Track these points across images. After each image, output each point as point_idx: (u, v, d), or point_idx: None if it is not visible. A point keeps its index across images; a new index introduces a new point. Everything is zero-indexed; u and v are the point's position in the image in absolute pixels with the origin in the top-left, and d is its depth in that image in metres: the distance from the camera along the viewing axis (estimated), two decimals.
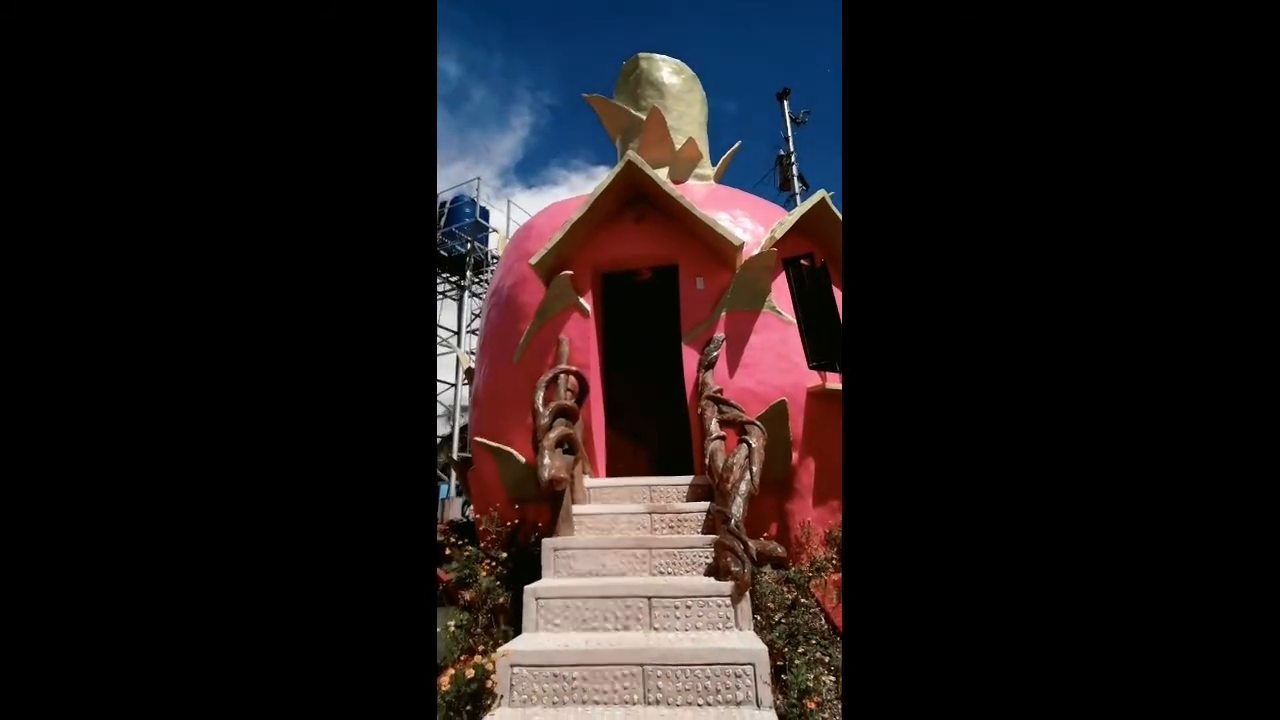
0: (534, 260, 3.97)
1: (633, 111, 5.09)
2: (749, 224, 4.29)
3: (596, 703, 1.99)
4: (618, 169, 4.02)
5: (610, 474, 3.92)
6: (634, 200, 4.19)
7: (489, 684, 1.89)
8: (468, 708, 1.84)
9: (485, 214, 15.73)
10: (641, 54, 5.29)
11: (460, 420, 14.62)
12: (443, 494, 14.50)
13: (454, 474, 12.95)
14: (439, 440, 18.82)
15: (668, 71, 5.26)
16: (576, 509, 3.11)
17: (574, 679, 2.02)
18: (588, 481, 3.53)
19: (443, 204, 15.67)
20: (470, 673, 1.84)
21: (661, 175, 4.11)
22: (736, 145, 5.52)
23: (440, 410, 16.71)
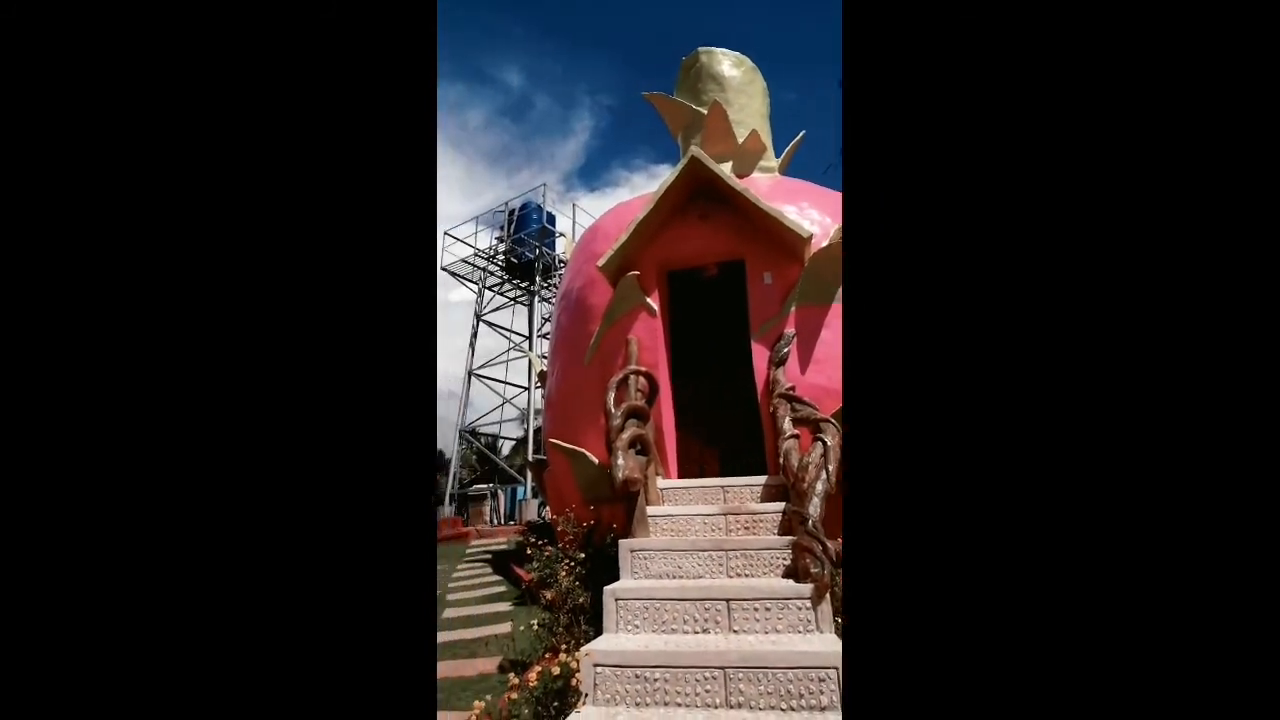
0: (601, 262, 4.01)
1: (694, 107, 5.06)
2: (816, 215, 4.16)
3: (679, 704, 1.99)
4: (681, 165, 4.00)
5: (681, 475, 3.91)
6: (698, 196, 4.16)
7: (574, 682, 1.93)
8: (555, 704, 1.89)
9: (552, 219, 16.11)
10: (701, 48, 5.24)
11: (534, 423, 15.03)
12: (519, 495, 14.97)
13: (530, 475, 13.34)
14: (515, 442, 19.45)
15: (728, 64, 5.19)
16: (651, 510, 3.12)
17: (656, 680, 2.03)
18: (660, 483, 3.54)
19: (511, 211, 16.17)
20: (556, 670, 1.89)
21: (725, 169, 4.05)
22: (800, 135, 5.37)
23: (514, 413, 17.29)
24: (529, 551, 3.47)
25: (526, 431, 15.70)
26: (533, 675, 1.90)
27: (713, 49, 5.24)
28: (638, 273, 4.06)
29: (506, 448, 19.19)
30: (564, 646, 2.43)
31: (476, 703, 1.88)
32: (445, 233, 16.40)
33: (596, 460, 3.81)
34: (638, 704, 2.02)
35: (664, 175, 4.15)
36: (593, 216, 15.09)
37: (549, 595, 2.96)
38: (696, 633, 2.31)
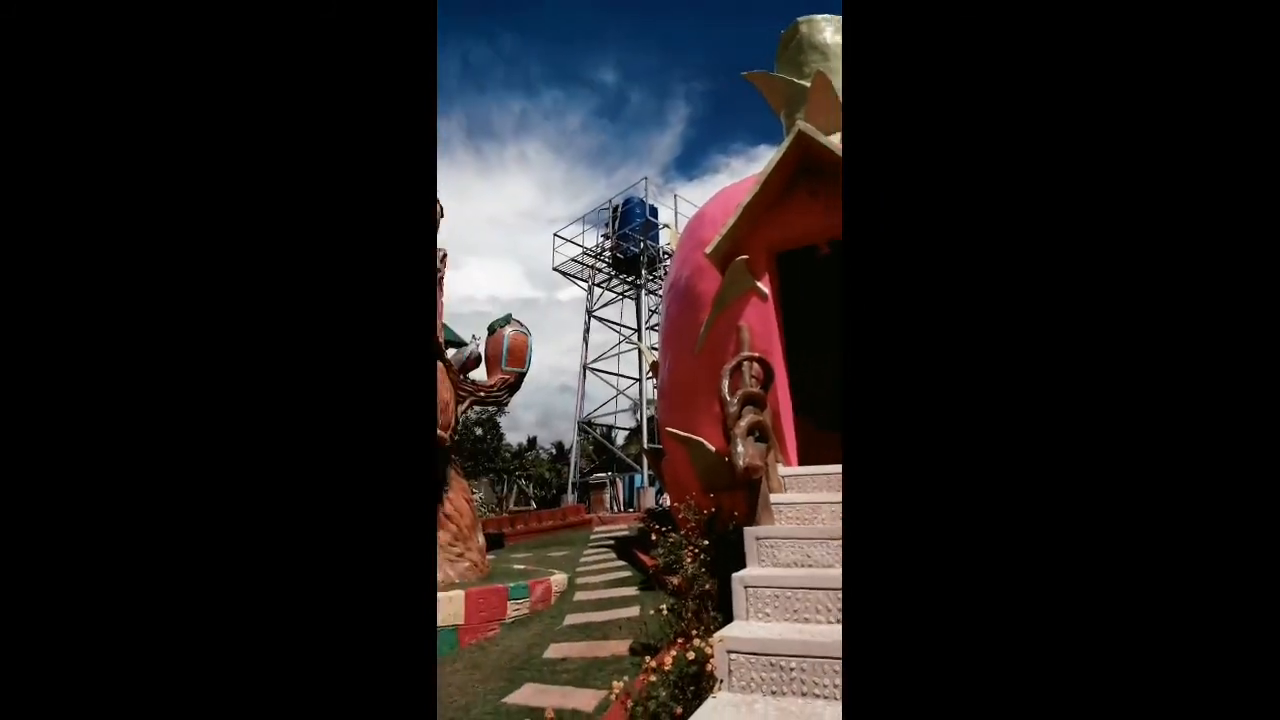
0: (709, 249, 3.98)
1: (796, 80, 4.85)
2: None
3: (818, 695, 1.95)
4: (787, 142, 3.86)
5: (802, 462, 3.80)
6: (806, 172, 3.99)
7: (709, 667, 1.95)
8: (691, 688, 1.92)
9: (654, 212, 16.23)
10: (800, 18, 5.02)
11: (647, 412, 15.30)
12: (637, 483, 15.34)
13: (645, 463, 13.61)
14: (629, 431, 19.94)
15: (830, 31, 4.92)
16: (774, 498, 3.07)
17: (792, 669, 2.00)
18: (781, 470, 3.46)
19: (615, 208, 16.51)
20: (691, 655, 1.92)
21: (834, 141, 3.85)
22: None
23: (627, 404, 17.72)
24: (653, 538, 3.54)
25: (640, 421, 16.03)
26: (668, 659, 1.95)
27: (812, 17, 4.99)
28: (746, 257, 3.98)
29: (620, 437, 19.74)
30: (695, 632, 2.46)
31: (615, 683, 1.96)
32: (555, 234, 17.11)
33: (714, 448, 3.81)
34: (774, 693, 2.00)
35: (764, 156, 4.03)
36: (694, 205, 14.98)
37: (675, 581, 3.01)
38: (831, 623, 2.24)
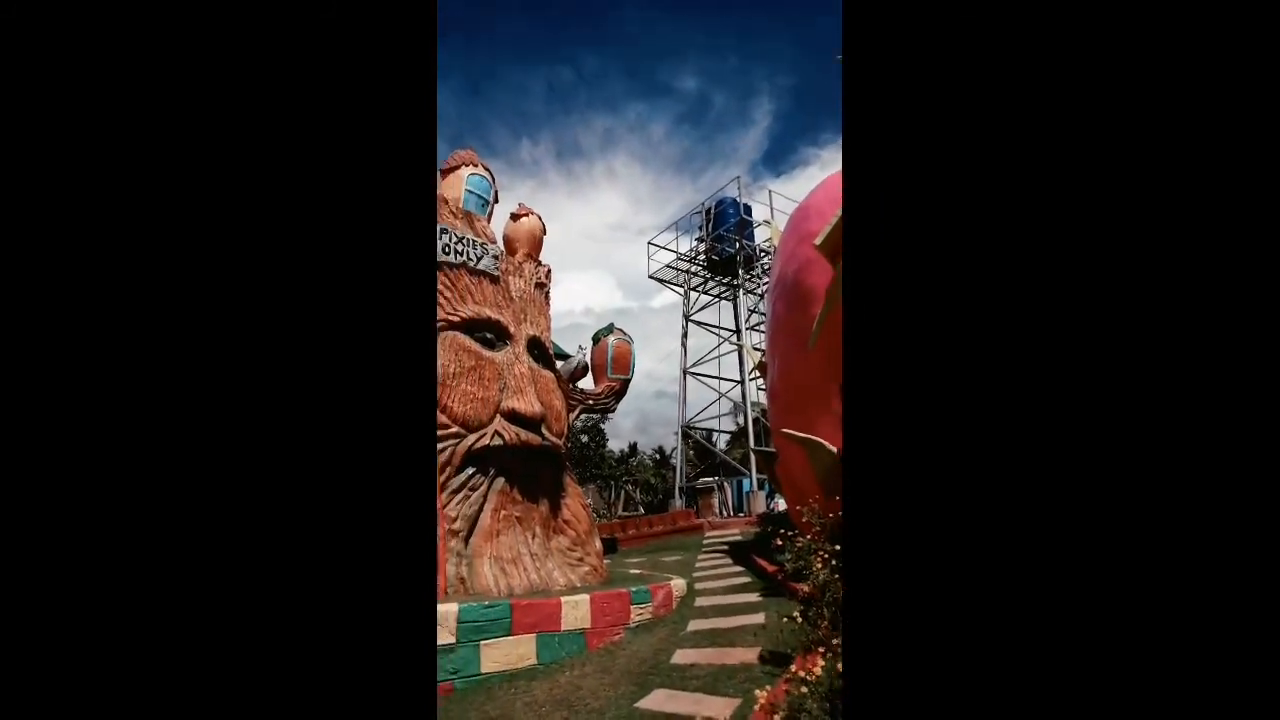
0: (818, 240, 3.81)
1: None
2: None
3: None
4: None
5: None
6: None
7: None
8: (841, 702, 1.81)
9: (748, 210, 15.99)
10: None
11: (751, 413, 15.01)
12: (745, 487, 15.08)
13: (754, 466, 13.33)
14: (730, 435, 19.68)
15: None
16: None
17: None
18: None
19: (708, 211, 16.44)
20: (842, 666, 1.81)
21: None
22: None
23: (728, 407, 17.50)
24: (778, 543, 3.42)
25: (745, 423, 15.76)
26: (817, 669, 1.85)
27: None
28: None
29: (722, 441, 19.54)
30: (835, 641, 2.32)
31: (757, 692, 1.89)
32: (649, 243, 17.32)
33: (834, 449, 3.62)
34: None
35: None
36: (791, 200, 14.58)
37: (804, 588, 2.88)
38: None
